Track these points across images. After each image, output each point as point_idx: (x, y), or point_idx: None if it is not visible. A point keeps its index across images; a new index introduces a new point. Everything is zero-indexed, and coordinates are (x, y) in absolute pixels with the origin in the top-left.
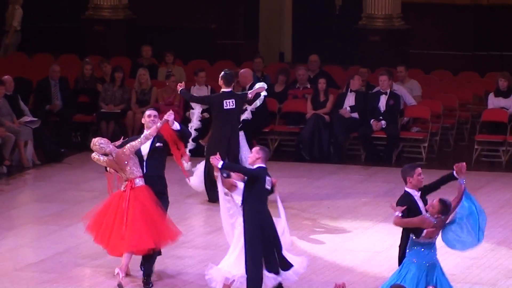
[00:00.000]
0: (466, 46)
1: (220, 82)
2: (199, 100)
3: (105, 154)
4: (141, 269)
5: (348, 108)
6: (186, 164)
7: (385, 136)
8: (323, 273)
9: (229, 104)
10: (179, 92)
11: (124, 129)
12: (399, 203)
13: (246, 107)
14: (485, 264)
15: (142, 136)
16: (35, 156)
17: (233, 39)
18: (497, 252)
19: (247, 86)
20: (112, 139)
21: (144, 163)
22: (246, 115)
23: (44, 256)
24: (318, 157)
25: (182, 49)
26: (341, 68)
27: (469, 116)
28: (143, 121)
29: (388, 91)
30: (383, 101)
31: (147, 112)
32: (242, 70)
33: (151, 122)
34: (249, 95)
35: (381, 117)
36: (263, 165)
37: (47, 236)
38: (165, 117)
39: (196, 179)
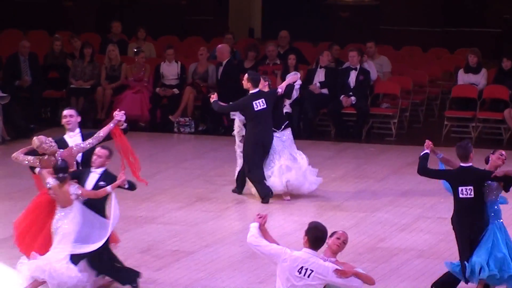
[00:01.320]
0: (436, 22)
1: (247, 84)
2: (230, 108)
3: (43, 154)
4: None
5: (318, 84)
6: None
7: (355, 112)
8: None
9: (259, 104)
10: (212, 104)
11: (93, 105)
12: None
13: (285, 103)
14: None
15: (92, 138)
16: (4, 131)
17: (203, 15)
18: None
19: (224, 62)
20: (82, 115)
21: (80, 164)
22: (286, 110)
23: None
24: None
25: (152, 25)
26: (311, 44)
27: (439, 92)
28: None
29: (358, 67)
30: (353, 77)
31: (64, 112)
32: (220, 45)
33: (67, 123)
34: (279, 90)
35: (351, 93)
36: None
37: (16, 212)
38: (116, 117)
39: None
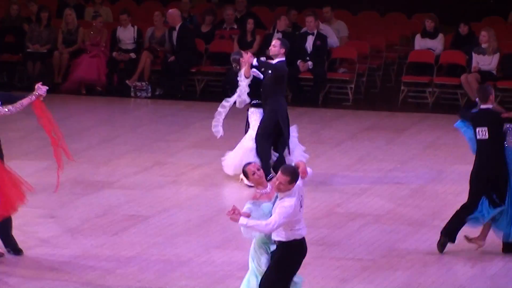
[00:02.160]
0: None
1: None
2: None
3: None
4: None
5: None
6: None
7: (312, 77)
8: None
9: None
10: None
11: (50, 69)
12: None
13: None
14: (411, 205)
15: (15, 105)
16: None
17: None
18: (423, 193)
19: (177, 27)
20: (39, 79)
21: None
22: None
23: None
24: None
25: None
26: (268, 9)
27: (396, 57)
28: None
29: (315, 32)
30: (310, 42)
31: None
32: (170, 10)
33: None
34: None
35: (307, 58)
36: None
37: None
38: (38, 91)
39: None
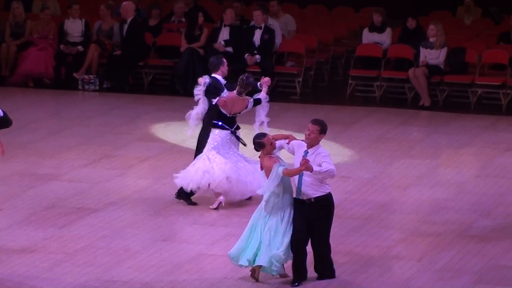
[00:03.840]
0: None
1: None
2: None
3: None
4: None
5: (223, 42)
6: None
7: (260, 70)
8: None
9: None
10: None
11: None
12: None
13: None
14: (358, 199)
15: None
16: None
17: None
18: (370, 187)
19: (128, 20)
20: None
21: None
22: None
23: None
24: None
25: None
26: (215, 2)
27: (344, 51)
28: None
29: (263, 25)
30: (257, 36)
31: None
32: (124, 3)
33: None
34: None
35: (255, 52)
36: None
37: None
38: None
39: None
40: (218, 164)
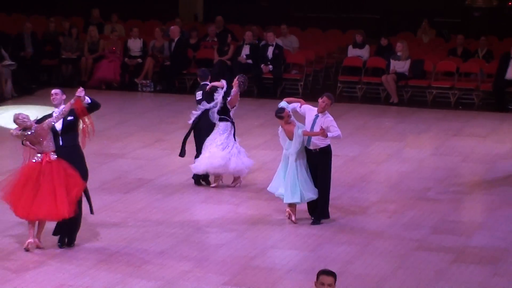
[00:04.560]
0: (332, 10)
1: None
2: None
3: (25, 128)
4: (58, 245)
5: (244, 56)
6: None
7: (272, 77)
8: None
9: (198, 95)
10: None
11: (78, 70)
12: None
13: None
14: (345, 171)
15: (58, 112)
16: (13, 89)
17: (160, 3)
18: (353, 163)
19: (175, 39)
20: (70, 80)
21: (60, 137)
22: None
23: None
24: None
25: (122, 11)
26: (239, 26)
27: (334, 62)
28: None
29: (274, 43)
30: (270, 51)
31: (51, 91)
32: (172, 27)
33: (54, 100)
34: (207, 88)
35: (269, 63)
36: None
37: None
38: (77, 93)
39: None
40: (224, 151)
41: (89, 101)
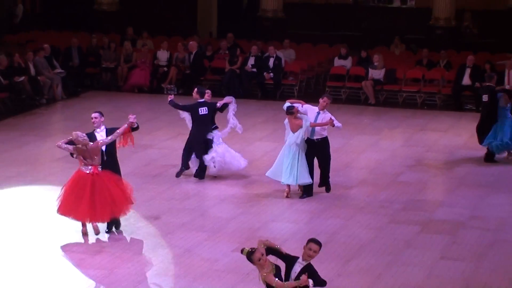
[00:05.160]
0: (322, 28)
1: (196, 96)
2: (182, 107)
3: (73, 143)
4: (106, 232)
5: (250, 65)
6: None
7: (272, 82)
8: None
9: (202, 110)
10: (168, 102)
11: (116, 77)
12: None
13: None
14: (332, 157)
15: (112, 135)
16: (62, 93)
17: (181, 22)
18: (338, 152)
19: (193, 52)
20: (109, 84)
21: (104, 152)
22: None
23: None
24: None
25: (151, 28)
26: (246, 41)
27: (323, 71)
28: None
29: (274, 55)
30: (271, 62)
31: (92, 114)
32: (191, 42)
33: (94, 123)
34: (218, 105)
35: (270, 71)
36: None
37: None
38: (130, 120)
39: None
40: (222, 152)
41: (137, 125)
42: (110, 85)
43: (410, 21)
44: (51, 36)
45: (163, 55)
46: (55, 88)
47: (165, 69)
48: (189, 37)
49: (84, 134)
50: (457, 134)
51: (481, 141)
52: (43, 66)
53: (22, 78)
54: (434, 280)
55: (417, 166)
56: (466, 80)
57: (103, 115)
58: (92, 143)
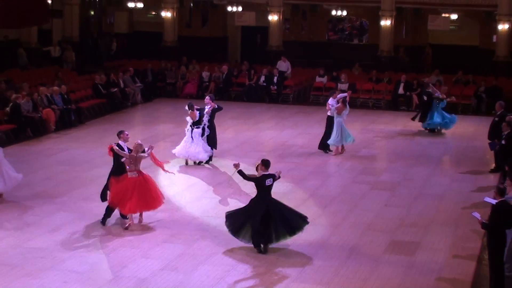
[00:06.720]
0: (308, 57)
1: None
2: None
3: (128, 150)
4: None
5: (262, 81)
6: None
7: (276, 92)
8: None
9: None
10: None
11: (175, 89)
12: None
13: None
14: (313, 151)
15: (146, 153)
16: (141, 99)
17: (217, 53)
18: (314, 141)
19: (225, 73)
20: (171, 93)
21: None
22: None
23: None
24: (252, 100)
25: (198, 57)
26: (259, 65)
27: (309, 84)
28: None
29: (277, 74)
30: (275, 78)
31: (125, 131)
32: (223, 66)
33: (127, 138)
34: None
35: (274, 85)
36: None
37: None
38: (152, 146)
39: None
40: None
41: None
42: (172, 94)
43: (365, 52)
44: (134, 62)
45: (206, 75)
46: (136, 96)
47: (207, 83)
48: (222, 63)
49: (143, 148)
50: (395, 125)
51: (423, 123)
52: (129, 81)
53: (115, 89)
54: (380, 219)
55: (370, 145)
56: (401, 90)
57: (128, 138)
58: (141, 154)
